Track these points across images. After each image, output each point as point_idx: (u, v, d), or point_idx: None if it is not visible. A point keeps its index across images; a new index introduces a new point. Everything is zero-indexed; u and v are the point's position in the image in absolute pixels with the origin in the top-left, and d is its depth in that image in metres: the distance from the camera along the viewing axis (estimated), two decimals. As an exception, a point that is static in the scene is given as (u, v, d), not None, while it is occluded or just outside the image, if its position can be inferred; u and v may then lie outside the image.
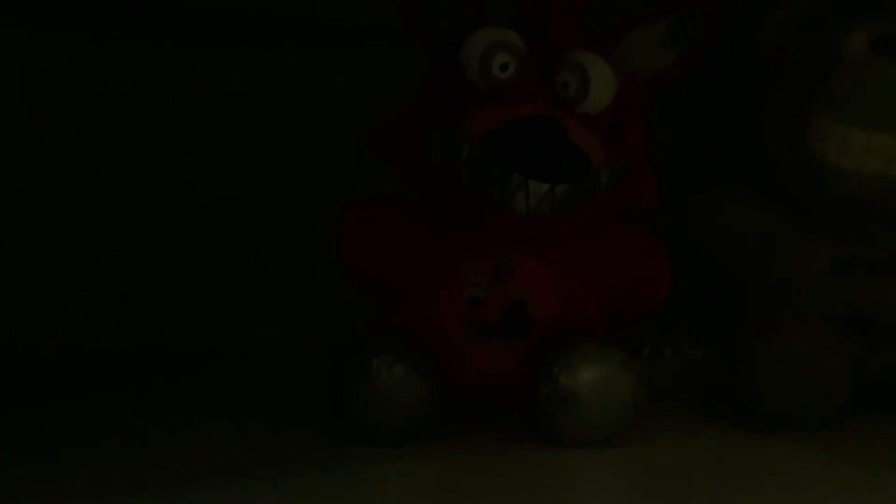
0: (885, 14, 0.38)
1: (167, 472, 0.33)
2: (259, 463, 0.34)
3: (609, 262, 0.39)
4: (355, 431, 0.36)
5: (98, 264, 0.52)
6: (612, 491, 0.34)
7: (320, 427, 0.38)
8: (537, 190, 0.35)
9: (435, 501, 0.32)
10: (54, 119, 0.51)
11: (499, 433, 0.38)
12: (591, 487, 0.34)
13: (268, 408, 0.42)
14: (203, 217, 0.54)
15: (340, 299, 0.41)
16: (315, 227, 0.43)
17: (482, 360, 0.37)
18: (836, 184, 0.39)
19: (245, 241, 0.54)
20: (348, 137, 0.44)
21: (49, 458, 0.35)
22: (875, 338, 0.40)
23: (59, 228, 0.51)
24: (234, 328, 0.53)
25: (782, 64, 0.41)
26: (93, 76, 0.52)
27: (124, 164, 0.52)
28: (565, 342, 0.37)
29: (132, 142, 0.52)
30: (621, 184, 0.38)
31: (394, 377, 0.36)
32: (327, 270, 0.40)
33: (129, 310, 0.52)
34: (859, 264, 0.40)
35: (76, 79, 0.51)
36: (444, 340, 0.37)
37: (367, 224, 0.39)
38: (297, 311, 0.53)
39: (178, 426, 0.39)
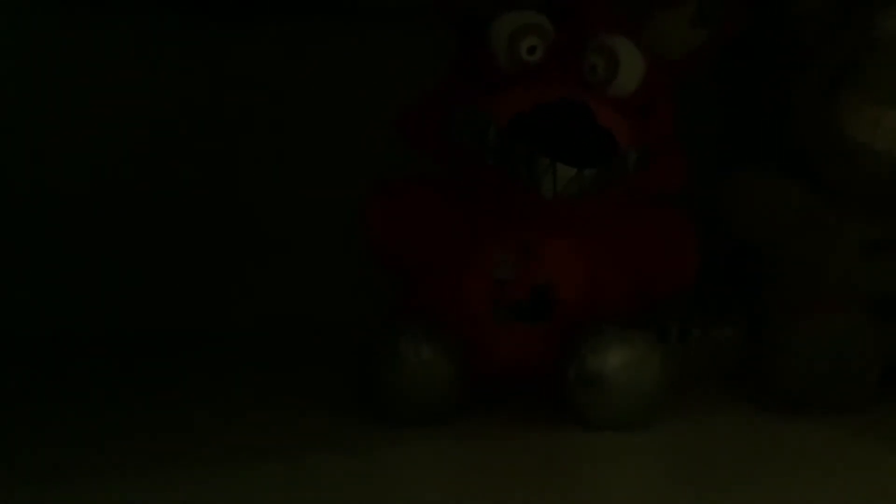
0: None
1: (195, 453, 0.34)
2: (285, 443, 0.35)
3: (635, 244, 0.39)
4: (383, 412, 0.37)
5: (118, 243, 0.52)
6: (639, 473, 0.34)
7: (347, 408, 0.38)
8: (565, 173, 0.35)
9: (460, 482, 0.33)
10: (60, 101, 0.51)
11: (524, 415, 0.39)
12: (618, 470, 0.34)
13: (292, 389, 0.42)
14: (225, 195, 0.54)
15: (364, 279, 0.42)
16: (338, 206, 0.44)
17: (508, 341, 0.38)
18: (868, 164, 0.38)
19: (268, 220, 0.54)
20: (370, 118, 0.44)
21: (63, 439, 0.35)
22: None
23: (71, 206, 0.52)
24: (255, 309, 0.54)
25: (814, 44, 0.40)
26: (99, 62, 0.52)
27: (139, 143, 0.53)
28: (592, 324, 0.37)
29: (144, 119, 0.52)
30: (649, 166, 0.38)
31: (421, 357, 0.36)
32: (352, 250, 0.40)
33: (151, 291, 0.53)
34: (890, 245, 0.40)
35: (83, 67, 0.52)
36: (471, 321, 0.37)
37: (394, 204, 0.39)
38: (320, 291, 0.54)
39: (204, 407, 0.40)
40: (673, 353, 0.38)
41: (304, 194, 0.54)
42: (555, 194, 0.35)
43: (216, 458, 0.33)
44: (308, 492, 0.31)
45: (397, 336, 0.36)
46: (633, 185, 0.38)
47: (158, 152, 0.53)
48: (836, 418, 0.38)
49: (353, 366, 0.38)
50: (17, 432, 0.36)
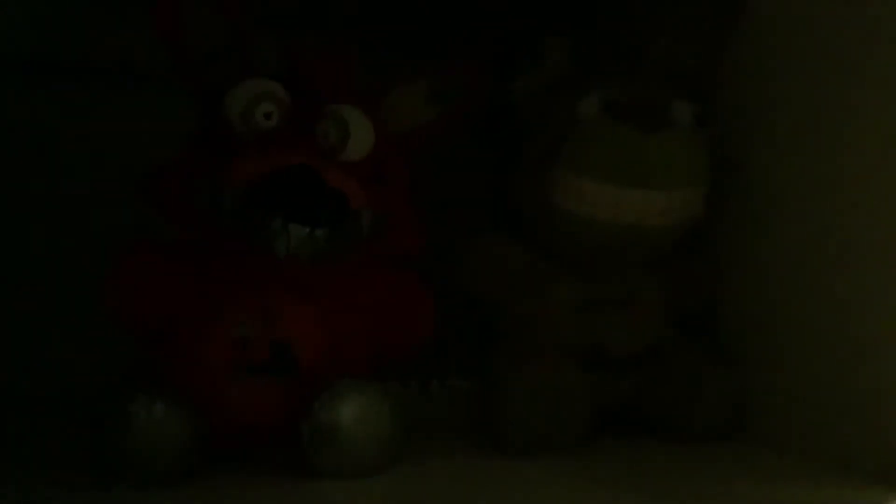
0: (615, 81, 0.43)
1: None
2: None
3: (374, 304, 0.41)
4: (116, 475, 0.36)
5: None
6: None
7: (81, 471, 0.38)
8: (297, 233, 0.37)
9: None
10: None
11: (265, 471, 0.39)
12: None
13: (26, 451, 0.41)
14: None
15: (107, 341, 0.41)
16: (77, 270, 0.43)
17: (249, 399, 0.38)
18: (574, 230, 0.43)
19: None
20: (113, 181, 0.44)
21: None
22: (611, 368, 0.45)
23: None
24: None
25: (531, 123, 0.45)
26: None
27: None
28: (327, 380, 0.38)
29: None
30: (384, 230, 0.40)
31: (151, 420, 0.36)
32: (90, 312, 0.40)
33: None
34: (597, 303, 0.44)
35: None
36: (211, 381, 0.38)
37: (137, 266, 0.39)
38: (61, 356, 0.52)
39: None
40: (412, 404, 0.40)
41: (50, 237, 0.52)
42: (288, 255, 0.37)
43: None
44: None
45: (128, 399, 0.36)
46: (371, 248, 0.40)
47: None
48: (556, 459, 0.42)
49: (86, 432, 0.37)
50: None
